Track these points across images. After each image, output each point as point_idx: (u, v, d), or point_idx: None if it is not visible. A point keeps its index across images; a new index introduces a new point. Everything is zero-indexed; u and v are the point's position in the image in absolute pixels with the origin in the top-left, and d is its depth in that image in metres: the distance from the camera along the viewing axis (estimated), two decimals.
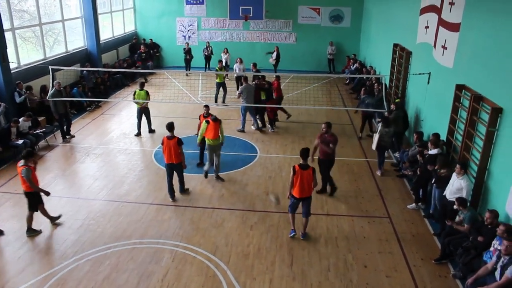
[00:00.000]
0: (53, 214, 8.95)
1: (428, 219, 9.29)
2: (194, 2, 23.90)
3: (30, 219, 8.59)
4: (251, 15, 22.53)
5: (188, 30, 24.46)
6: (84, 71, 17.27)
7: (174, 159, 9.69)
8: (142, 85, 13.97)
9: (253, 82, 14.61)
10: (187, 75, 22.15)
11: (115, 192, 10.29)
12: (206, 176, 10.98)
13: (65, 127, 13.40)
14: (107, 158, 12.25)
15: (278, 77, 15.47)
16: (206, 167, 10.99)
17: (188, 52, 22.31)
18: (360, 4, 23.27)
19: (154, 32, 24.62)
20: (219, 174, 10.96)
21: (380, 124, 11.41)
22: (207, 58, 22.74)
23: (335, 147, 9.94)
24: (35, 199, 8.57)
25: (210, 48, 22.71)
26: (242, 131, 14.35)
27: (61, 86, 13.30)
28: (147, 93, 13.76)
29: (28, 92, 13.76)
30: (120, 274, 7.42)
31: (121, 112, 16.49)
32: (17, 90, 13.43)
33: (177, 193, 10.15)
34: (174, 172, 9.94)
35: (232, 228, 8.89)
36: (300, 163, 8.31)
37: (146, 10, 24.53)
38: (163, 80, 20.53)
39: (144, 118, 13.95)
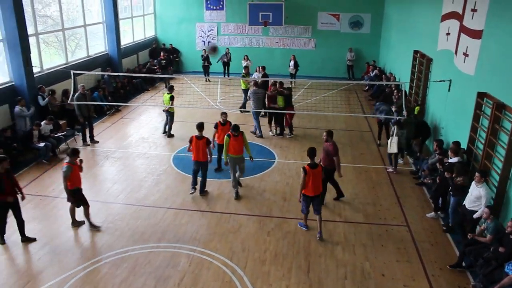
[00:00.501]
0: (78, 218, 9.08)
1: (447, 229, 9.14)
2: (214, 8, 24.05)
3: (86, 214, 8.93)
4: (270, 20, 22.57)
5: (208, 36, 24.62)
6: (105, 76, 17.52)
7: (202, 157, 10.08)
8: (169, 89, 14.21)
9: (273, 89, 14.49)
10: (206, 80, 22.24)
11: (134, 195, 10.38)
12: (237, 197, 10.31)
13: (87, 131, 13.63)
14: (126, 162, 12.38)
15: (276, 82, 15.44)
16: (234, 186, 10.37)
17: (206, 59, 22.38)
18: (380, 11, 23.11)
19: (174, 37, 24.84)
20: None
21: (395, 127, 11.52)
22: (226, 64, 22.81)
23: (338, 157, 9.69)
24: (78, 196, 8.80)
25: (229, 54, 22.78)
26: (260, 136, 14.35)
27: (85, 89, 13.53)
28: (171, 97, 13.91)
29: (49, 95, 14.00)
30: (137, 278, 7.47)
31: (140, 116, 16.67)
32: (40, 93, 13.70)
33: (196, 195, 10.28)
34: (199, 169, 10.27)
35: (249, 233, 8.88)
36: (309, 163, 8.45)
37: (166, 15, 24.80)
38: (182, 85, 20.67)
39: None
